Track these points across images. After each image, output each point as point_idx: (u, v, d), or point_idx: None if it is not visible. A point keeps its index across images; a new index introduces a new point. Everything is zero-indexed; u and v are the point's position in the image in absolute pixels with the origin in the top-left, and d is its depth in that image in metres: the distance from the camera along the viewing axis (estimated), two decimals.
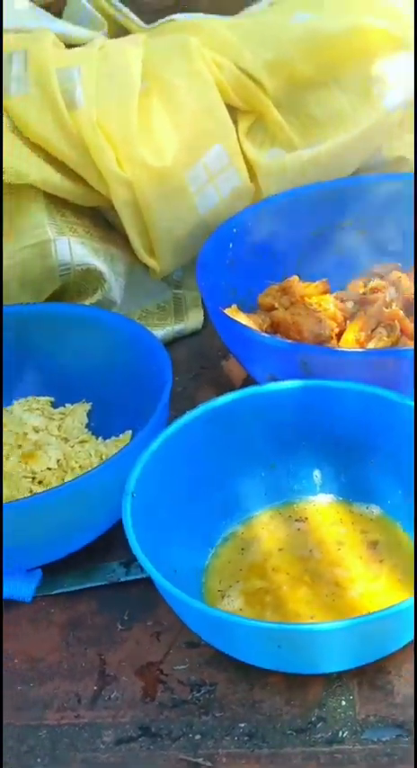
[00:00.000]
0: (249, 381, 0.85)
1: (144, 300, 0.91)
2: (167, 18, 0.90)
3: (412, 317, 0.76)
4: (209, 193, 0.85)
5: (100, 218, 0.88)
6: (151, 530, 0.60)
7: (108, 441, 0.76)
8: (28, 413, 0.76)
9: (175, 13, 0.90)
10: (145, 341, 0.73)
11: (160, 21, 0.90)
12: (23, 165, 0.80)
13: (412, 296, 0.78)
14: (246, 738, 0.57)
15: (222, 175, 0.85)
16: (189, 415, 0.66)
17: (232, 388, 0.86)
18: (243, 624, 0.52)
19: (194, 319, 0.93)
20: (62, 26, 0.88)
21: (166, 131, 0.83)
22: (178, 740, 0.57)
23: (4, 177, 0.79)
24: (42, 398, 0.78)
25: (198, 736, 0.57)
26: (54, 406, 0.79)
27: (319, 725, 0.57)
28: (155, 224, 0.84)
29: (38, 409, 0.77)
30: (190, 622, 0.59)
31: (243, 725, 0.57)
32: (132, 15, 0.90)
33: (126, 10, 0.90)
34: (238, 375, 0.87)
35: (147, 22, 0.91)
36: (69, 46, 0.87)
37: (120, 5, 0.90)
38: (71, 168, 0.82)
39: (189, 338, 0.92)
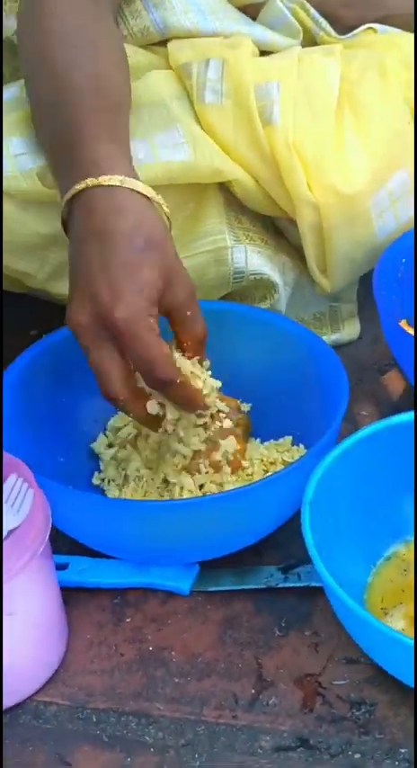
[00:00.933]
0: (406, 396, 0.85)
1: (301, 310, 0.90)
2: (365, 26, 0.89)
3: None
4: (389, 219, 0.83)
5: (270, 225, 0.88)
6: (320, 541, 0.60)
7: (267, 443, 0.76)
8: None
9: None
10: (322, 354, 0.73)
11: (357, 30, 0.89)
12: (221, 163, 0.80)
13: None
14: (407, 765, 0.56)
15: (403, 200, 0.83)
16: (367, 430, 0.65)
17: (389, 402, 0.85)
18: None
19: (350, 330, 0.92)
20: (261, 32, 0.87)
21: (357, 155, 0.81)
22: (337, 756, 0.57)
23: (195, 171, 0.79)
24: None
25: (357, 755, 0.57)
26: None
27: None
28: (333, 247, 0.83)
29: None
30: (360, 638, 0.58)
31: (404, 750, 0.57)
32: (329, 28, 0.89)
33: (324, 23, 0.89)
34: (395, 390, 0.86)
35: (340, 34, 0.90)
36: (263, 52, 0.87)
37: (319, 17, 0.89)
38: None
39: (342, 349, 0.92)
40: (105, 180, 0.66)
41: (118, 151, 0.69)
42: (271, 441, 0.76)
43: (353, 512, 0.65)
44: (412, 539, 0.68)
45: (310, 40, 0.90)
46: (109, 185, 0.66)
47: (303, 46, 0.89)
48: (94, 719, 0.61)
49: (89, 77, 0.73)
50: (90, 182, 0.66)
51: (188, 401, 0.66)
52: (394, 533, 0.67)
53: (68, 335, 0.77)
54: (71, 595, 0.67)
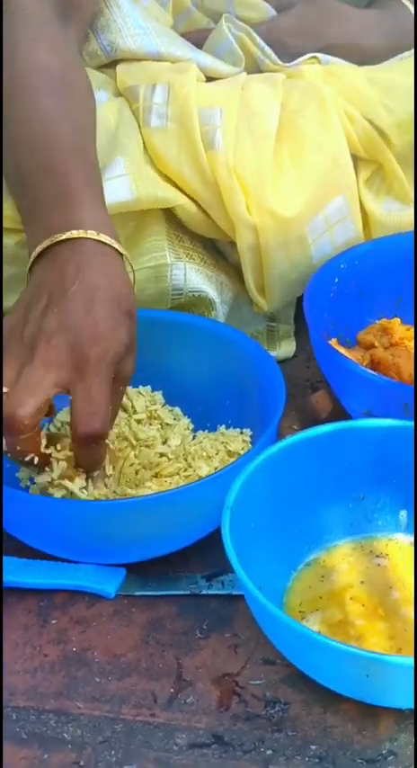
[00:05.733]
0: (334, 414, 0.87)
1: (239, 329, 0.93)
2: (309, 55, 0.92)
3: None
4: (324, 243, 0.86)
5: (210, 246, 0.90)
6: (241, 545, 0.62)
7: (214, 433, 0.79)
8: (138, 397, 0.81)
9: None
10: (262, 359, 0.76)
11: (300, 59, 0.92)
12: (163, 192, 0.82)
13: None
14: (317, 761, 0.58)
15: (339, 225, 0.86)
16: (289, 440, 0.68)
17: (316, 419, 0.88)
18: (339, 649, 0.54)
19: (286, 349, 0.95)
20: (204, 58, 0.89)
21: (294, 181, 0.84)
22: (250, 753, 0.59)
23: (139, 206, 0.82)
24: (157, 393, 0.82)
25: (269, 752, 0.59)
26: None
27: (390, 758, 0.58)
28: (270, 267, 0.85)
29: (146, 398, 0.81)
30: (276, 638, 0.60)
31: (314, 747, 0.59)
32: (274, 57, 0.91)
33: (269, 51, 0.91)
34: (324, 407, 0.89)
35: (285, 61, 0.93)
36: (209, 79, 0.90)
37: (264, 45, 0.91)
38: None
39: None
40: (93, 234, 0.68)
41: (101, 206, 0.72)
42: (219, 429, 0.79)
43: (274, 518, 0.67)
44: (332, 545, 0.70)
45: (254, 68, 0.94)
46: (97, 240, 0.68)
47: (247, 73, 0.92)
48: (14, 717, 0.62)
49: (69, 130, 0.75)
50: (80, 233, 0.68)
51: (96, 463, 0.67)
52: (315, 540, 0.69)
53: None
54: None
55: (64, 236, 0.68)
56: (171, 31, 0.91)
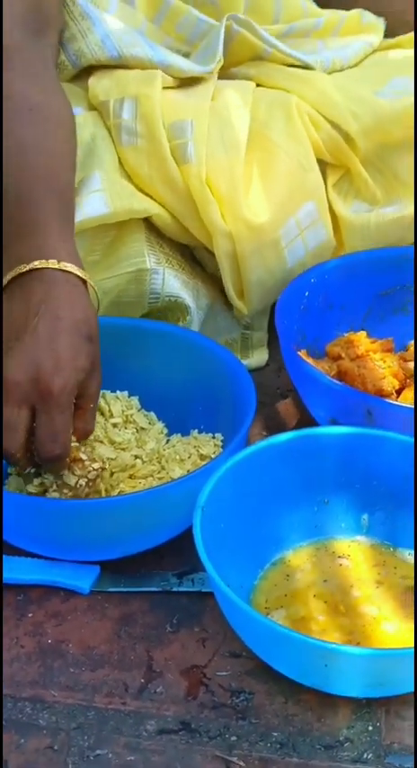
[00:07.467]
0: (302, 422, 0.91)
1: (214, 336, 0.96)
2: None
3: None
4: (297, 246, 0.90)
5: (188, 253, 0.94)
6: (211, 543, 0.65)
7: (187, 437, 0.82)
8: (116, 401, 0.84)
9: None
10: (234, 368, 0.80)
11: (314, 58, 0.96)
12: (139, 204, 0.86)
13: None
14: (278, 746, 0.62)
15: (310, 229, 0.90)
16: (257, 445, 0.71)
17: (285, 426, 0.91)
18: (300, 640, 0.57)
19: (258, 358, 0.99)
20: (166, 57, 0.91)
21: (265, 188, 0.88)
22: (215, 739, 0.62)
23: (115, 218, 0.85)
24: (133, 398, 0.85)
25: (234, 738, 0.62)
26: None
27: (346, 744, 0.62)
28: (247, 273, 0.89)
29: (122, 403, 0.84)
30: (243, 632, 0.64)
31: (276, 734, 0.62)
32: (282, 47, 0.94)
33: (275, 41, 0.94)
34: (292, 415, 0.93)
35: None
36: (175, 78, 0.92)
37: (269, 37, 0.94)
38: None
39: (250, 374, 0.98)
40: (55, 264, 0.72)
41: (68, 235, 0.76)
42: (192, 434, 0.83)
43: (243, 519, 0.70)
44: (298, 546, 0.73)
45: (257, 58, 0.97)
46: (60, 270, 0.72)
47: (247, 63, 0.95)
48: None
49: (42, 158, 0.77)
50: (42, 263, 0.72)
51: (59, 471, 0.72)
52: (281, 541, 0.73)
53: None
54: None
55: (28, 268, 0.72)
56: (134, 32, 0.93)
